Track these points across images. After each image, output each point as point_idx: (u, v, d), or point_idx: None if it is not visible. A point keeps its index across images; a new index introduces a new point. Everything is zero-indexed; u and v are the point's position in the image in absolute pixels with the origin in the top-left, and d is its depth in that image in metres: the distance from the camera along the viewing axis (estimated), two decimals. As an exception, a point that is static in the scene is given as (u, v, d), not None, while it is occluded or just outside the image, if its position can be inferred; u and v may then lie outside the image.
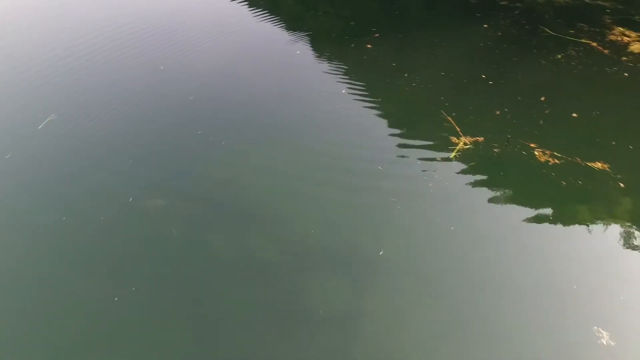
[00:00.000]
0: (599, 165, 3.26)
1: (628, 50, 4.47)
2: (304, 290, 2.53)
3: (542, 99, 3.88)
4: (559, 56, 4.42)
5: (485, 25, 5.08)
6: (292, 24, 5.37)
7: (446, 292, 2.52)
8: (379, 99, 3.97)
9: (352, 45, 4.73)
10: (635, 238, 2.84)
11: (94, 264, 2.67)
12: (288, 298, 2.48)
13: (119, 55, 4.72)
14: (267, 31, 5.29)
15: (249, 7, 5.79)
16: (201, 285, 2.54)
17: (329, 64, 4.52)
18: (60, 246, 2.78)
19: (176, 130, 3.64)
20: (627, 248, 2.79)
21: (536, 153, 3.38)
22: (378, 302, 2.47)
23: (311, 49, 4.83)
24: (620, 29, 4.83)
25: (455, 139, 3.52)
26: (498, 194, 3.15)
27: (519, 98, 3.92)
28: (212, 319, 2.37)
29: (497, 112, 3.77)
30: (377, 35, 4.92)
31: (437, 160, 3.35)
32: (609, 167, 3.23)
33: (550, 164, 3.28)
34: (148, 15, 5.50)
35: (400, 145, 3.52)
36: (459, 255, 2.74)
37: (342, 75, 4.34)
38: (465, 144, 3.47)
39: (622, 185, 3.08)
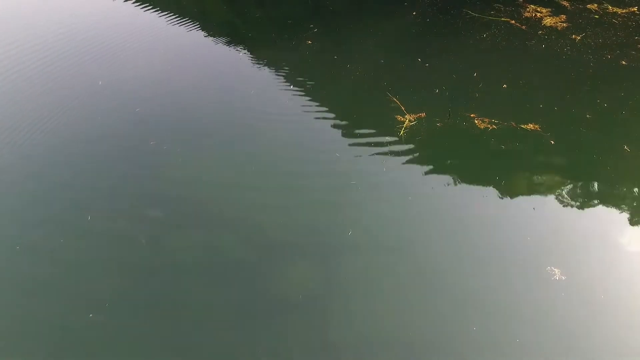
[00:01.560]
0: (531, 126, 3.61)
1: (542, 24, 4.98)
2: (276, 280, 2.58)
3: (475, 75, 4.22)
4: (484, 35, 4.82)
5: (414, 13, 5.43)
6: (227, 31, 5.42)
7: (413, 261, 2.68)
8: (326, 91, 4.12)
9: (293, 42, 4.87)
10: (568, 187, 3.17)
11: (56, 287, 2.55)
12: (261, 291, 2.52)
13: (53, 71, 4.52)
14: (202, 41, 5.29)
15: (179, 18, 5.75)
16: (173, 291, 2.51)
17: (273, 64, 4.62)
18: (17, 275, 2.62)
19: (127, 142, 3.56)
20: (562, 197, 3.11)
21: (476, 122, 3.68)
22: (350, 281, 2.58)
23: (252, 51, 4.90)
24: (533, 6, 5.36)
25: (401, 117, 3.74)
26: (446, 162, 3.40)
27: (454, 76, 4.24)
28: (188, 323, 2.35)
29: (437, 91, 4.04)
30: (315, 30, 5.09)
31: (388, 140, 3.55)
32: (539, 127, 3.59)
33: (489, 129, 3.59)
34: (80, 30, 5.30)
35: (352, 132, 3.68)
36: (418, 224, 2.93)
37: (287, 72, 4.46)
38: (410, 121, 3.70)
39: (552, 142, 3.43)
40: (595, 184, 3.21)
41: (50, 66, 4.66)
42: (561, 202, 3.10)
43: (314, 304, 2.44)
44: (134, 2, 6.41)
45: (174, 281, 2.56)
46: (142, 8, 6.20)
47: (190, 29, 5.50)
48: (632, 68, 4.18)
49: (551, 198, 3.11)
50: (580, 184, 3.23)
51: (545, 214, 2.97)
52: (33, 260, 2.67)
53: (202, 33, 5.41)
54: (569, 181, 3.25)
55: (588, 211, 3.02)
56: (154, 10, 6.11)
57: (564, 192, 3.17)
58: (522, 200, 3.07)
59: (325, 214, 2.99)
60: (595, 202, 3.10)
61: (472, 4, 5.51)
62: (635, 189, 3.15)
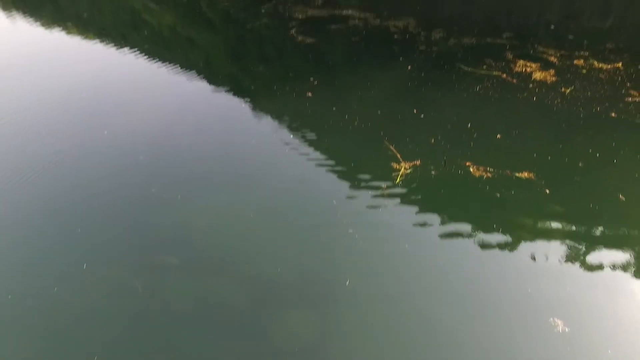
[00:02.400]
0: (525, 174, 3.69)
1: (532, 78, 5.23)
2: (272, 329, 2.53)
3: (469, 125, 4.38)
4: (477, 88, 5.06)
5: (409, 67, 5.73)
6: (231, 83, 5.71)
7: (411, 311, 2.65)
8: (325, 141, 4.27)
9: (294, 94, 5.10)
10: (567, 236, 3.18)
11: (50, 335, 2.51)
12: (257, 339, 2.47)
13: (62, 122, 4.72)
14: (207, 92, 5.56)
15: (186, 70, 6.09)
16: (169, 339, 2.46)
17: (274, 115, 4.83)
18: (10, 324, 2.59)
19: (127, 189, 3.64)
20: (561, 246, 3.10)
21: (471, 170, 3.77)
22: (347, 331, 2.53)
23: (254, 102, 5.14)
24: (522, 61, 5.66)
25: (397, 164, 3.85)
26: (444, 210, 3.43)
27: (449, 127, 4.39)
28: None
29: (432, 140, 4.18)
30: (316, 83, 5.35)
31: (385, 189, 3.61)
32: (534, 176, 3.67)
33: (484, 178, 3.67)
34: (87, 83, 5.58)
35: (350, 179, 3.77)
36: (416, 273, 2.91)
37: (288, 123, 4.64)
38: (406, 169, 3.80)
39: (547, 191, 3.49)
40: (594, 233, 3.22)
41: (58, 116, 4.88)
42: (561, 251, 3.09)
43: (311, 354, 2.38)
44: (144, 56, 6.82)
45: (170, 329, 2.52)
46: (151, 61, 6.58)
47: (196, 80, 5.80)
48: (621, 120, 4.34)
49: (550, 247, 3.11)
50: (579, 233, 3.24)
51: (545, 263, 2.95)
52: (26, 309, 2.64)
53: (207, 85, 5.69)
54: (567, 230, 3.25)
55: (589, 260, 3.00)
56: (162, 63, 6.49)
57: (563, 241, 3.16)
58: (521, 250, 3.07)
59: (323, 263, 2.99)
60: (596, 250, 3.09)
61: (464, 59, 5.83)
62: (634, 237, 3.15)
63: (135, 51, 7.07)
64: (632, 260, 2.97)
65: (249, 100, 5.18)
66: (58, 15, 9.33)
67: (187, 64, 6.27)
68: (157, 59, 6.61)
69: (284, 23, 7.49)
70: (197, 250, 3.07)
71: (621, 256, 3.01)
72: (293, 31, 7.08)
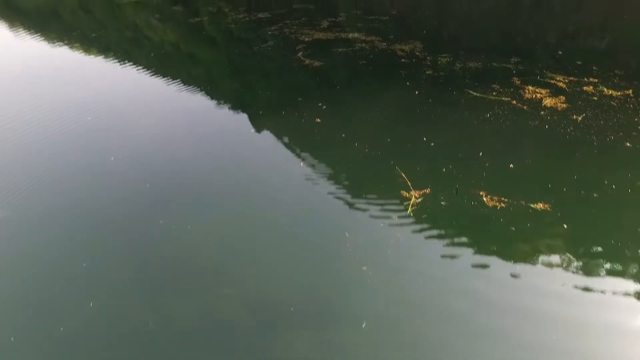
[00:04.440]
0: (540, 206, 3.65)
1: (543, 105, 5.24)
2: (276, 348, 2.51)
3: (480, 154, 4.36)
4: (488, 115, 5.06)
5: (417, 92, 5.75)
6: (238, 105, 5.72)
7: (420, 342, 2.60)
8: (335, 167, 4.24)
9: (303, 119, 5.11)
10: (589, 274, 3.11)
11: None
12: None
13: (66, 147, 4.71)
14: (212, 112, 5.58)
15: (189, 89, 6.13)
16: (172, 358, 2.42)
17: (284, 139, 4.83)
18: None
19: (135, 219, 3.60)
20: (584, 285, 3.03)
21: (485, 199, 3.73)
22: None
23: (263, 125, 5.14)
24: (531, 87, 5.68)
25: (406, 193, 3.83)
26: (457, 241, 3.39)
27: (460, 155, 4.38)
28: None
29: (444, 169, 4.15)
30: (324, 107, 5.37)
31: (396, 219, 3.58)
32: (549, 207, 3.63)
33: (498, 208, 3.63)
34: (91, 109, 5.60)
35: (360, 208, 3.73)
36: (427, 305, 2.86)
37: (297, 149, 4.63)
38: (416, 197, 3.77)
39: (565, 225, 3.44)
40: (619, 272, 3.13)
41: (60, 138, 4.89)
42: (583, 290, 3.01)
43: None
44: (147, 72, 6.89)
45: (173, 349, 2.52)
46: (153, 76, 6.64)
47: (201, 100, 5.83)
48: (637, 150, 4.32)
49: (571, 285, 3.04)
50: (601, 271, 3.16)
51: (566, 303, 2.87)
52: (30, 351, 2.57)
53: (212, 105, 5.72)
54: (589, 268, 3.18)
55: (613, 301, 2.92)
56: (165, 79, 6.55)
57: (585, 279, 3.09)
58: (540, 286, 3.00)
59: (332, 293, 2.93)
60: (622, 292, 3.00)
61: (471, 85, 5.86)
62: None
63: (138, 67, 7.15)
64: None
65: (256, 123, 5.19)
66: (63, 32, 9.47)
67: (191, 84, 6.31)
68: (161, 75, 6.70)
69: (291, 46, 7.58)
70: (200, 270, 3.06)
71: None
72: (300, 54, 7.15)
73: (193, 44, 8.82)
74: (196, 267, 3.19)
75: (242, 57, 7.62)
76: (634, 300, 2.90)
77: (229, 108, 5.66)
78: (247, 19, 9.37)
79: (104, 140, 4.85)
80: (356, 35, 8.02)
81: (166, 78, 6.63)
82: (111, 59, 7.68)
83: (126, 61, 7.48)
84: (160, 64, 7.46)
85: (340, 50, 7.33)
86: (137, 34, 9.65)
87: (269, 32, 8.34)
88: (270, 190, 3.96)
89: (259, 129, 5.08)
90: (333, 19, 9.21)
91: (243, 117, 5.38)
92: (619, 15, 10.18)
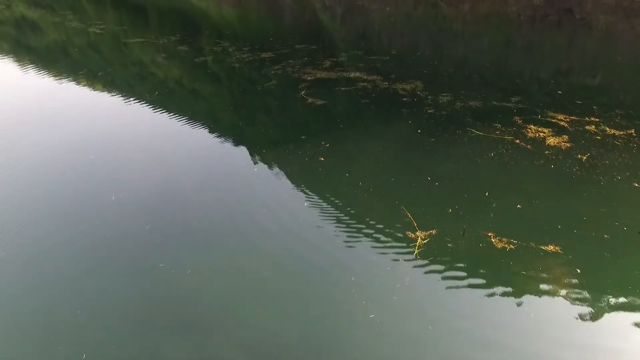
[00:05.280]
0: (551, 248, 3.58)
1: (546, 144, 5.26)
2: None
3: (487, 194, 4.31)
4: (492, 154, 5.06)
5: (420, 131, 5.79)
6: (241, 142, 5.74)
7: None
8: (341, 208, 4.19)
9: (306, 158, 5.10)
10: (606, 322, 2.99)
11: None
12: None
13: (67, 186, 4.67)
14: (215, 149, 5.60)
15: (193, 126, 6.18)
16: None
17: (288, 178, 4.81)
18: None
19: (134, 261, 3.51)
20: (599, 332, 2.91)
21: (493, 241, 3.66)
22: None
23: (266, 163, 5.13)
24: (533, 126, 5.73)
25: (412, 234, 3.78)
26: (466, 284, 3.29)
27: (466, 195, 4.33)
28: None
29: (449, 210, 4.09)
30: (327, 145, 5.39)
31: (402, 262, 3.50)
32: (560, 249, 3.55)
33: (507, 249, 3.55)
34: (92, 146, 5.62)
35: (367, 251, 3.66)
36: (441, 355, 2.71)
37: (303, 187, 4.60)
38: (422, 238, 3.71)
39: (578, 270, 3.34)
40: (634, 321, 3.02)
41: (62, 176, 4.87)
42: (600, 338, 2.89)
43: None
44: (151, 108, 6.98)
45: None
46: (157, 112, 6.72)
47: (204, 137, 5.86)
48: (645, 190, 4.28)
49: (586, 333, 2.92)
50: (615, 317, 3.04)
51: (578, 350, 2.75)
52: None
53: (216, 143, 5.74)
54: (603, 313, 3.07)
55: (626, 348, 2.79)
56: (169, 114, 6.63)
57: (601, 326, 2.97)
58: (552, 334, 2.88)
59: (337, 342, 2.80)
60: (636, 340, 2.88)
61: (473, 124, 5.91)
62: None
63: (142, 103, 7.26)
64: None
65: (260, 162, 5.19)
66: (71, 70, 9.71)
67: (196, 121, 6.37)
68: (164, 110, 6.79)
69: (294, 84, 7.73)
70: (200, 315, 2.92)
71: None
72: (303, 92, 7.28)
73: (197, 82, 9.01)
74: (196, 312, 3.08)
75: (246, 95, 7.75)
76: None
77: (232, 146, 5.68)
78: (251, 58, 9.63)
79: (105, 178, 4.83)
80: (358, 74, 8.21)
81: (170, 115, 6.71)
82: (116, 95, 7.82)
83: (131, 97, 7.61)
84: (165, 101, 7.58)
85: (342, 89, 7.47)
86: (143, 70, 9.88)
87: (272, 71, 8.54)
88: (274, 232, 3.89)
89: (262, 169, 5.07)
90: (335, 59, 9.46)
91: (247, 156, 5.39)
92: (609, 54, 10.50)
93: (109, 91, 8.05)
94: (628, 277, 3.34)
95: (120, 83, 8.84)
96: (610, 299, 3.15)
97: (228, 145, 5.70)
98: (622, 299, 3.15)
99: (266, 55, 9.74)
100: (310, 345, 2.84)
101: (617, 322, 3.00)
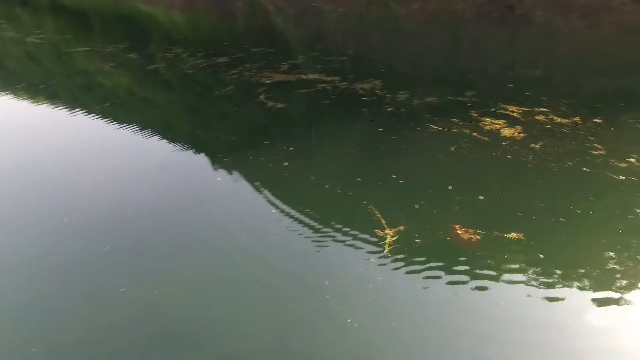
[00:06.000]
0: (514, 235, 3.72)
1: (502, 135, 5.47)
2: None
3: (450, 188, 4.42)
4: (453, 149, 5.20)
5: (381, 129, 5.86)
6: (204, 151, 5.55)
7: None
8: (309, 213, 4.14)
9: (271, 164, 5.01)
10: (573, 305, 3.12)
11: None
12: None
13: (13, 212, 4.30)
14: (178, 163, 5.37)
15: (146, 136, 5.92)
16: None
17: (253, 185, 4.69)
18: None
19: (93, 288, 3.26)
20: (568, 317, 3.04)
21: (460, 232, 3.75)
22: None
23: (230, 172, 4.98)
24: (488, 119, 5.95)
25: (380, 231, 3.79)
26: (438, 280, 3.33)
27: (430, 190, 4.41)
28: None
29: (416, 206, 4.15)
30: (291, 149, 5.32)
31: (374, 260, 3.52)
32: (523, 236, 3.70)
33: (474, 240, 3.64)
34: (37, 165, 5.24)
35: (338, 253, 3.63)
36: (422, 347, 2.73)
37: (269, 195, 4.49)
38: (391, 236, 3.72)
39: (541, 255, 3.49)
40: (595, 295, 3.17)
41: (2, 200, 4.49)
42: (565, 316, 3.02)
43: None
44: (99, 119, 6.62)
45: None
46: (107, 123, 6.38)
47: (160, 147, 5.62)
48: (594, 174, 4.56)
49: (552, 311, 3.04)
50: (578, 297, 3.19)
51: (551, 339, 2.85)
52: None
53: (174, 152, 5.51)
54: (567, 295, 3.20)
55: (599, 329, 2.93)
56: (120, 125, 6.31)
57: (565, 305, 3.11)
58: (524, 317, 2.97)
59: (316, 351, 2.74)
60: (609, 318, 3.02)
61: (432, 119, 6.06)
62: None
63: (90, 115, 6.88)
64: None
65: (222, 170, 5.03)
66: (7, 82, 9.05)
67: (150, 132, 6.10)
68: (114, 121, 6.46)
69: (252, 89, 7.59)
70: (170, 335, 2.76)
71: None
72: (262, 97, 7.17)
73: (150, 90, 8.65)
74: (166, 329, 2.91)
75: (204, 102, 7.54)
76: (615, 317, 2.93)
77: (192, 155, 5.49)
78: (206, 64, 9.38)
79: (55, 199, 4.49)
80: (317, 76, 8.20)
81: (122, 126, 6.38)
82: (61, 107, 7.34)
83: (78, 109, 7.17)
84: (116, 111, 7.21)
85: (302, 91, 7.43)
86: (89, 79, 9.36)
87: (229, 77, 8.35)
88: (242, 241, 3.77)
89: (225, 177, 4.92)
90: (292, 62, 9.41)
91: (208, 165, 5.22)
92: (549, 47, 11.18)
93: (53, 104, 7.55)
94: (584, 257, 3.52)
95: (64, 95, 8.32)
96: (571, 280, 3.30)
97: (187, 155, 5.49)
98: (582, 278, 3.31)
99: (221, 60, 9.52)
100: (291, 356, 2.76)
101: (579, 299, 3.13)
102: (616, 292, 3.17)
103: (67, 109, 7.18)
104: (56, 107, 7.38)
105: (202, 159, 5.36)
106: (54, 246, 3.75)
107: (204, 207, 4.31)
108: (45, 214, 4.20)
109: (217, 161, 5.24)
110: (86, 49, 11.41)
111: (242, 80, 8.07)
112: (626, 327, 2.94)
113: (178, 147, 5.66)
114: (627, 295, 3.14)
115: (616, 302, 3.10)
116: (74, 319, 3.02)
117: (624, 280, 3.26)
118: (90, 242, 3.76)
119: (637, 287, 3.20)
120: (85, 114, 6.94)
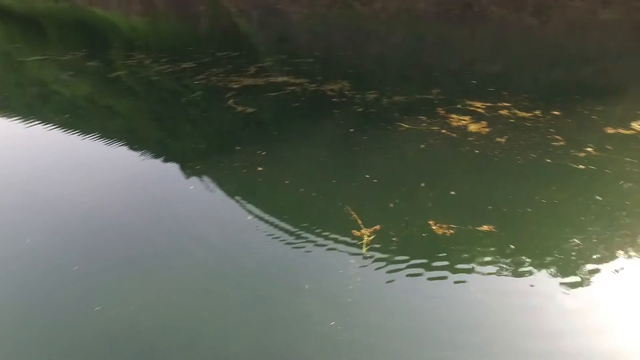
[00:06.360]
0: (486, 228, 3.82)
1: (469, 130, 5.64)
2: None
3: (422, 184, 4.51)
4: (423, 146, 5.31)
5: (352, 130, 5.91)
6: (175, 159, 5.42)
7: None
8: (285, 217, 4.11)
9: (244, 170, 4.94)
10: (544, 291, 3.25)
11: None
12: None
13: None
14: (148, 173, 5.22)
15: (112, 146, 5.71)
16: None
17: (227, 192, 4.61)
18: None
19: (62, 311, 3.10)
20: (538, 305, 3.16)
21: (434, 228, 3.83)
22: None
23: (204, 180, 4.88)
24: (455, 115, 6.12)
25: (357, 232, 3.82)
26: (415, 276, 3.39)
27: (404, 188, 4.49)
28: None
29: (391, 205, 4.21)
30: (264, 153, 5.28)
31: (353, 261, 3.54)
32: (494, 228, 3.81)
33: (448, 235, 3.73)
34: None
35: (317, 256, 3.62)
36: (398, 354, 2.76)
37: (244, 202, 4.43)
38: (368, 235, 3.77)
39: (512, 246, 3.61)
40: (573, 283, 3.31)
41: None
42: (535, 301, 3.14)
43: None
44: (58, 130, 6.33)
45: None
46: (67, 134, 6.12)
47: (131, 157, 5.44)
48: (556, 165, 4.77)
49: (526, 300, 3.15)
50: (548, 283, 3.33)
51: (528, 322, 2.96)
52: None
53: (146, 162, 5.35)
54: (538, 283, 3.33)
55: (570, 310, 3.06)
56: (82, 136, 6.06)
57: (536, 291, 3.23)
58: (497, 306, 3.07)
59: (304, 355, 2.73)
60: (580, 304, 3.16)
61: (401, 118, 6.17)
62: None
63: (47, 126, 6.57)
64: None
65: (194, 178, 4.92)
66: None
67: (115, 141, 5.89)
68: (74, 130, 6.20)
69: (220, 94, 7.48)
70: (150, 343, 2.66)
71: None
72: (231, 102, 7.06)
73: (113, 98, 8.35)
74: (148, 348, 2.81)
75: (171, 109, 7.34)
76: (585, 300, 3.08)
77: (161, 164, 5.34)
78: (171, 69, 9.15)
79: (15, 219, 4.24)
80: (285, 78, 8.17)
81: (84, 137, 6.13)
82: (15, 119, 6.96)
83: (33, 121, 6.82)
84: (76, 122, 6.91)
85: (271, 94, 7.38)
86: (44, 90, 8.92)
87: (196, 82, 8.19)
88: (219, 249, 3.70)
89: (198, 185, 4.81)
90: (259, 65, 9.34)
91: (179, 174, 5.09)
92: (505, 43, 11.65)
93: (7, 117, 7.15)
94: (551, 245, 3.67)
95: (18, 106, 7.90)
96: (541, 267, 3.44)
97: (157, 164, 5.34)
98: (550, 265, 3.45)
99: (187, 66, 9.32)
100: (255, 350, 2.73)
101: (549, 285, 3.26)
102: (582, 276, 3.33)
103: (23, 122, 6.82)
104: (10, 119, 7.00)
105: (173, 168, 5.22)
106: (17, 270, 3.54)
107: (178, 216, 4.20)
108: (4, 236, 3.97)
109: (189, 169, 5.12)
110: (41, 57, 10.89)
111: (210, 86, 7.93)
112: (594, 307, 3.10)
113: (146, 156, 5.49)
114: (593, 278, 3.31)
115: (583, 284, 3.26)
116: (47, 347, 2.86)
117: (589, 264, 3.43)
118: (58, 263, 3.57)
119: (601, 270, 3.38)
120: (42, 125, 6.62)
